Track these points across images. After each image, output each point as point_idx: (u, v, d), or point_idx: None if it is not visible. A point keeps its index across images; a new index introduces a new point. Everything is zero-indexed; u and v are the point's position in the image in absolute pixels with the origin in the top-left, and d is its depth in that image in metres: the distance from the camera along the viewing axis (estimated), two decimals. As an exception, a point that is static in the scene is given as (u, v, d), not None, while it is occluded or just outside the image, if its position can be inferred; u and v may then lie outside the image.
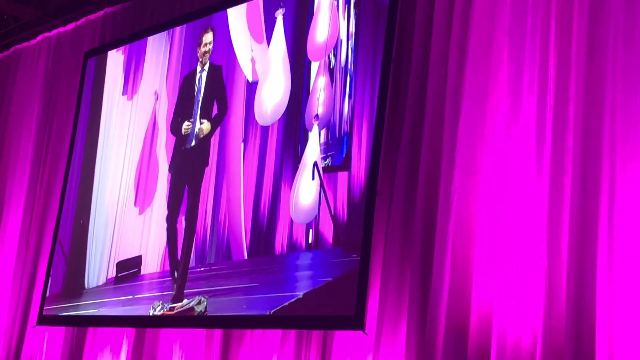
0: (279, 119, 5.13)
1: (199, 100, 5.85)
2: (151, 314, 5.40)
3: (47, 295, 6.33)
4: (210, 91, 5.82)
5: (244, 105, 5.34)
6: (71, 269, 6.18)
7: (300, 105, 5.02)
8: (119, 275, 5.76)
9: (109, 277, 5.90)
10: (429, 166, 4.41)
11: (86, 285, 6.04)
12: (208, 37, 5.94)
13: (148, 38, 6.22)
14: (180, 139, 5.92)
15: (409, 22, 4.76)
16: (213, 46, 5.74)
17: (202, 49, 5.96)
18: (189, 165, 5.83)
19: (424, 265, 4.27)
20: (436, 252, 4.19)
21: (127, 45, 6.35)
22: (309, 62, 5.06)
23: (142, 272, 5.64)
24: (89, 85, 6.88)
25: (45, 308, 6.31)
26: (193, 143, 5.81)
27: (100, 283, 5.93)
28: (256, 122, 5.25)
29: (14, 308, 6.95)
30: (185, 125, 5.89)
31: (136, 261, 5.69)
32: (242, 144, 5.28)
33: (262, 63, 5.32)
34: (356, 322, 4.46)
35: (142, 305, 5.49)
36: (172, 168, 5.92)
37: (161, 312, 5.33)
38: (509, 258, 3.92)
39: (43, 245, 6.89)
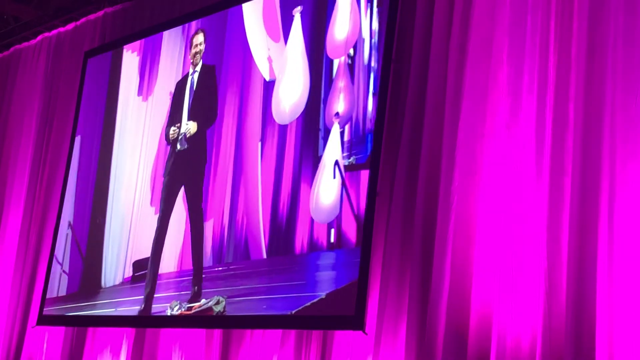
0: (298, 118, 5.10)
1: (189, 102, 5.86)
2: (169, 314, 5.39)
3: (65, 294, 6.31)
4: (201, 91, 5.83)
5: (261, 104, 5.31)
6: (88, 268, 6.19)
7: (319, 104, 4.97)
8: (136, 274, 5.76)
9: (126, 276, 5.90)
10: (429, 166, 4.41)
11: (103, 285, 6.04)
12: (199, 39, 5.95)
13: (163, 39, 6.20)
14: (172, 146, 5.94)
15: (409, 22, 4.76)
16: (228, 44, 5.70)
17: (193, 50, 5.97)
18: (183, 166, 5.83)
19: (424, 265, 4.27)
20: (436, 252, 4.19)
21: (142, 46, 6.35)
22: (328, 60, 5.02)
23: (158, 272, 5.63)
24: (89, 85, 6.89)
25: (62, 307, 6.29)
26: (185, 146, 5.82)
27: (117, 282, 5.93)
28: (274, 121, 5.22)
29: (14, 308, 6.95)
30: (172, 130, 5.90)
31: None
32: (260, 143, 5.25)
33: (280, 61, 5.28)
34: (356, 322, 4.46)
35: (159, 305, 5.47)
36: (165, 173, 5.93)
37: (179, 311, 5.31)
38: (509, 258, 3.92)
39: (43, 245, 6.89)
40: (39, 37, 7.76)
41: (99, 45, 7.04)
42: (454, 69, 4.40)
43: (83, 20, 7.36)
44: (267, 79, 5.33)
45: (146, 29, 6.48)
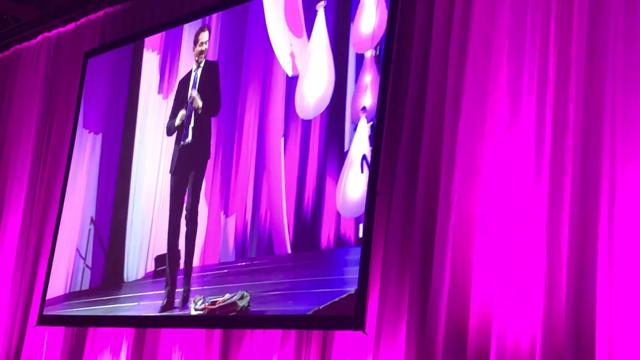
0: (322, 113, 5.06)
1: (192, 96, 5.91)
2: (193, 308, 5.39)
3: (88, 287, 6.34)
4: (204, 86, 5.88)
5: (284, 99, 5.28)
6: (110, 263, 6.23)
7: (344, 98, 4.92)
8: (158, 269, 5.79)
9: (148, 270, 5.92)
10: (429, 166, 4.41)
11: (125, 279, 6.07)
12: (204, 37, 5.96)
13: (183, 37, 6.22)
14: (177, 138, 5.96)
15: (409, 22, 4.76)
16: (249, 40, 5.68)
17: (198, 48, 5.99)
18: (187, 162, 5.87)
19: (424, 265, 4.27)
20: (436, 252, 4.19)
21: (162, 45, 6.37)
22: (354, 55, 4.98)
23: (180, 267, 5.66)
24: (90, 85, 6.91)
25: (84, 300, 6.31)
26: (189, 139, 5.84)
27: (139, 277, 5.96)
28: (297, 116, 5.19)
29: (14, 308, 6.96)
30: (180, 115, 5.91)
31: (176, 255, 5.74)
32: (283, 139, 5.23)
33: (303, 57, 5.24)
34: (356, 322, 4.46)
35: (182, 299, 5.50)
36: (172, 170, 5.97)
37: (202, 306, 5.31)
38: (508, 258, 3.92)
39: (43, 245, 6.89)
40: (39, 37, 7.76)
41: (99, 45, 7.04)
42: (454, 69, 4.40)
43: (83, 20, 7.36)
44: (290, 74, 5.31)
45: (166, 22, 6.47)
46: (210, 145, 5.69)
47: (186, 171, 5.86)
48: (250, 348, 5.13)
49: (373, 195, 4.58)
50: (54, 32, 7.62)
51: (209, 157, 5.68)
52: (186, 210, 5.73)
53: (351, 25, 5.00)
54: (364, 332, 4.44)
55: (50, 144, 7.24)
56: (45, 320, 6.53)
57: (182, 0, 6.55)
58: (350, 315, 4.50)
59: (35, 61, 7.71)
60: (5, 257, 7.18)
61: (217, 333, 5.34)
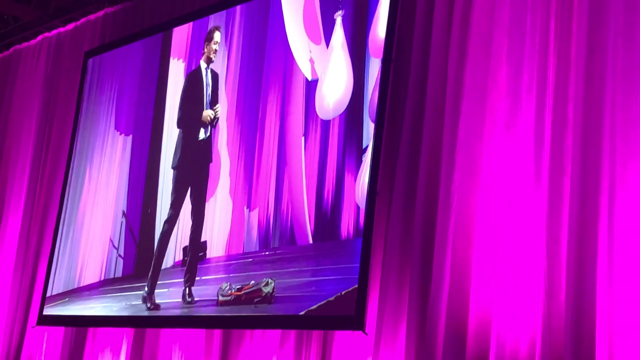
0: (341, 114, 5.19)
1: (208, 94, 6.05)
2: (220, 295, 5.46)
3: (121, 275, 6.48)
4: (213, 95, 6.03)
5: (304, 101, 5.43)
6: (141, 253, 6.41)
7: (362, 101, 5.05)
8: (186, 258, 5.95)
9: (176, 260, 6.06)
10: (429, 166, 4.41)
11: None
12: (218, 36, 6.07)
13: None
14: (186, 133, 6.09)
15: (409, 22, 4.77)
16: (269, 46, 5.79)
17: (213, 47, 6.09)
18: (194, 162, 6.01)
19: (424, 265, 4.28)
20: (436, 252, 4.19)
21: (187, 53, 6.48)
22: (371, 60, 5.04)
23: (207, 256, 5.78)
24: (89, 85, 6.94)
25: (119, 286, 6.44)
26: (207, 134, 5.97)
27: (169, 265, 6.09)
28: (317, 116, 5.34)
29: (14, 308, 6.96)
30: (209, 113, 6.03)
31: (202, 246, 5.89)
32: (303, 138, 5.36)
33: (322, 62, 5.39)
34: (356, 322, 4.47)
35: (210, 286, 5.62)
36: (176, 165, 6.10)
37: (229, 292, 5.40)
38: (508, 258, 3.92)
39: (43, 245, 6.90)
40: (39, 37, 7.77)
41: (99, 45, 7.04)
42: (454, 69, 4.41)
43: (83, 20, 7.36)
44: (309, 78, 5.42)
45: (193, 12, 6.52)
46: (212, 149, 5.85)
47: (190, 172, 5.99)
48: (250, 348, 5.14)
49: (373, 195, 4.58)
50: (54, 32, 7.63)
51: (210, 160, 5.84)
52: (193, 212, 5.87)
53: (369, 32, 5.07)
54: (364, 332, 4.44)
55: (50, 144, 7.24)
56: (45, 320, 6.54)
57: (182, 0, 6.55)
58: (350, 315, 4.51)
59: (35, 61, 7.71)
60: (5, 257, 7.19)
61: (217, 333, 5.35)
